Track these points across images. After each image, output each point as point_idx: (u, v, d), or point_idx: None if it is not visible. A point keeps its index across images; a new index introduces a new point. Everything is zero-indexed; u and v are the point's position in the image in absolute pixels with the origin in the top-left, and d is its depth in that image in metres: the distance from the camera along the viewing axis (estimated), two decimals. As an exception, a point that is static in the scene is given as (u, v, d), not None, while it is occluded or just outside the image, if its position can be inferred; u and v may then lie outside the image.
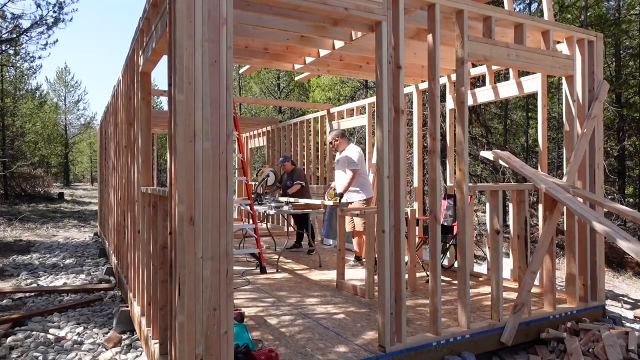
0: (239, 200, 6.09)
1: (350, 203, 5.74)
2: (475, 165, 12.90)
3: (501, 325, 3.57)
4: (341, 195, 5.69)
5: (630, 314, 5.02)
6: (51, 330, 4.22)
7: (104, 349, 3.77)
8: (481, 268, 6.96)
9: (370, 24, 3.52)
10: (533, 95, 12.01)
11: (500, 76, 11.26)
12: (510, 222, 4.28)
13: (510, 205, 4.17)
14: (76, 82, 41.73)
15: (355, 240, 5.76)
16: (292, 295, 4.55)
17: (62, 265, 7.40)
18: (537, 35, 4.17)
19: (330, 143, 6.08)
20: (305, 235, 7.15)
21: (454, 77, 5.84)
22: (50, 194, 21.43)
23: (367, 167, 6.05)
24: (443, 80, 5.89)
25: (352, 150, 5.80)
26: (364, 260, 5.96)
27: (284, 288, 4.82)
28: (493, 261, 3.64)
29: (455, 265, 5.62)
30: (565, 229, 4.18)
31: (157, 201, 3.06)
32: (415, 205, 6.34)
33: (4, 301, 5.21)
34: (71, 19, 18.79)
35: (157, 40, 3.01)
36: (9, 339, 3.93)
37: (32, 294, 5.52)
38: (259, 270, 5.69)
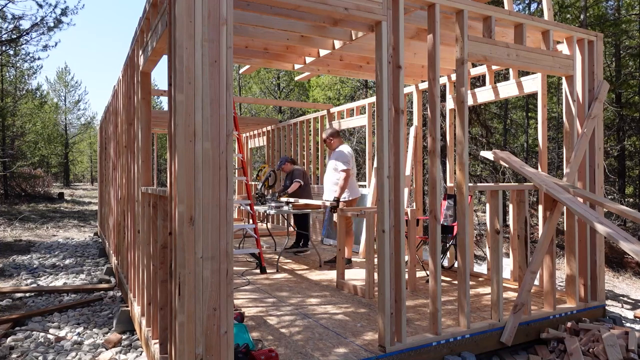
0: (239, 200, 6.09)
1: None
2: (475, 165, 12.90)
3: (501, 325, 3.57)
4: (338, 201, 5.63)
5: (630, 314, 5.02)
6: (51, 331, 4.22)
7: (103, 349, 3.77)
8: (481, 268, 6.96)
9: (370, 24, 3.53)
10: (533, 95, 12.01)
11: (500, 76, 11.26)
12: (510, 222, 4.28)
13: (510, 205, 4.17)
14: (76, 82, 41.82)
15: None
16: (292, 295, 4.55)
17: (62, 265, 7.40)
18: (537, 35, 4.17)
19: (324, 141, 6.11)
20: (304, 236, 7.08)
21: (454, 77, 5.85)
22: (50, 194, 21.43)
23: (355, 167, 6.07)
24: (443, 80, 5.90)
25: (343, 150, 5.82)
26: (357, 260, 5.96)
27: (284, 288, 4.82)
28: (493, 261, 3.64)
29: (455, 265, 5.62)
30: (565, 229, 4.19)
31: (157, 201, 3.06)
32: (415, 205, 6.34)
33: (4, 301, 5.21)
34: (74, 24, 18.82)
35: (157, 40, 3.01)
36: (9, 339, 3.93)
37: (32, 294, 5.52)
38: (259, 270, 5.69)
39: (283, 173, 7.97)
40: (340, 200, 5.73)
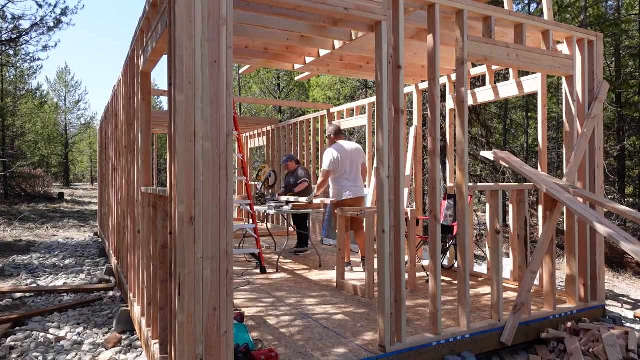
0: (239, 200, 6.09)
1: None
2: (475, 165, 12.90)
3: (501, 325, 3.57)
4: (310, 201, 6.02)
5: (630, 314, 5.02)
6: (51, 330, 4.22)
7: (103, 349, 3.77)
8: (481, 268, 6.96)
9: (370, 24, 3.52)
10: (533, 95, 12.00)
11: (500, 76, 11.26)
12: (510, 222, 4.28)
13: (510, 206, 4.17)
14: (76, 82, 41.79)
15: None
16: (292, 295, 4.55)
17: (62, 265, 7.40)
18: (537, 35, 4.17)
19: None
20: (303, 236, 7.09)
21: (454, 77, 5.84)
22: (50, 194, 21.43)
23: (347, 166, 5.69)
24: (443, 80, 5.89)
25: (326, 153, 5.74)
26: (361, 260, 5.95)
27: (284, 288, 4.82)
28: (493, 261, 3.64)
29: (455, 265, 5.62)
30: (565, 229, 4.19)
31: (157, 201, 3.06)
32: (415, 205, 6.34)
33: (4, 301, 5.21)
34: (74, 24, 18.80)
35: (157, 40, 3.01)
36: (9, 339, 3.94)
37: (32, 293, 5.52)
38: (259, 270, 5.69)
39: (283, 171, 7.98)
40: (320, 199, 6.08)
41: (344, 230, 5.05)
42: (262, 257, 5.66)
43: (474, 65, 5.65)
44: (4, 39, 13.55)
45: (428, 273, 4.85)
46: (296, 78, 8.03)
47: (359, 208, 5.31)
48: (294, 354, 3.01)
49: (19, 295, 5.48)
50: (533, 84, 4.71)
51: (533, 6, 13.55)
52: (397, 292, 3.10)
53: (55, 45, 17.17)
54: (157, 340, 3.03)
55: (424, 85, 6.30)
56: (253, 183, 8.62)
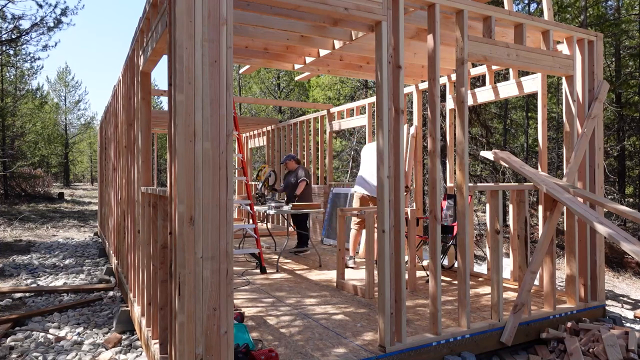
0: (239, 200, 6.08)
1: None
2: (475, 165, 12.89)
3: (501, 325, 3.57)
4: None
5: (630, 314, 5.02)
6: (51, 331, 4.22)
7: (103, 349, 3.77)
8: (481, 268, 6.96)
9: (370, 24, 3.53)
10: (533, 95, 12.01)
11: (500, 76, 11.25)
12: (510, 222, 4.28)
13: (510, 206, 4.17)
14: (77, 82, 41.71)
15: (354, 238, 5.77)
16: (292, 295, 4.55)
17: (62, 265, 7.40)
18: (537, 35, 4.17)
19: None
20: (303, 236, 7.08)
21: (454, 77, 5.84)
22: (50, 194, 21.43)
23: (365, 164, 5.93)
24: (443, 80, 5.89)
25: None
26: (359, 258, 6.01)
27: (284, 288, 4.82)
28: (493, 261, 3.64)
29: (455, 265, 5.62)
30: (565, 229, 4.19)
31: (157, 201, 3.06)
32: (415, 205, 6.34)
33: (4, 301, 5.21)
34: (74, 24, 18.79)
35: (157, 40, 3.01)
36: (9, 339, 3.94)
37: (32, 293, 5.52)
38: (258, 270, 5.69)
39: (283, 171, 7.98)
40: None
41: (344, 230, 5.05)
42: (262, 257, 5.66)
43: (474, 65, 5.65)
44: (4, 39, 13.55)
45: (428, 273, 4.85)
46: (296, 78, 8.04)
47: (360, 208, 5.31)
48: (294, 354, 3.01)
49: (19, 295, 5.47)
50: (533, 84, 4.71)
51: (533, 6, 13.54)
52: (397, 292, 3.10)
53: (55, 45, 17.18)
54: (157, 340, 3.03)
55: (424, 85, 6.30)
56: (253, 183, 8.62)
